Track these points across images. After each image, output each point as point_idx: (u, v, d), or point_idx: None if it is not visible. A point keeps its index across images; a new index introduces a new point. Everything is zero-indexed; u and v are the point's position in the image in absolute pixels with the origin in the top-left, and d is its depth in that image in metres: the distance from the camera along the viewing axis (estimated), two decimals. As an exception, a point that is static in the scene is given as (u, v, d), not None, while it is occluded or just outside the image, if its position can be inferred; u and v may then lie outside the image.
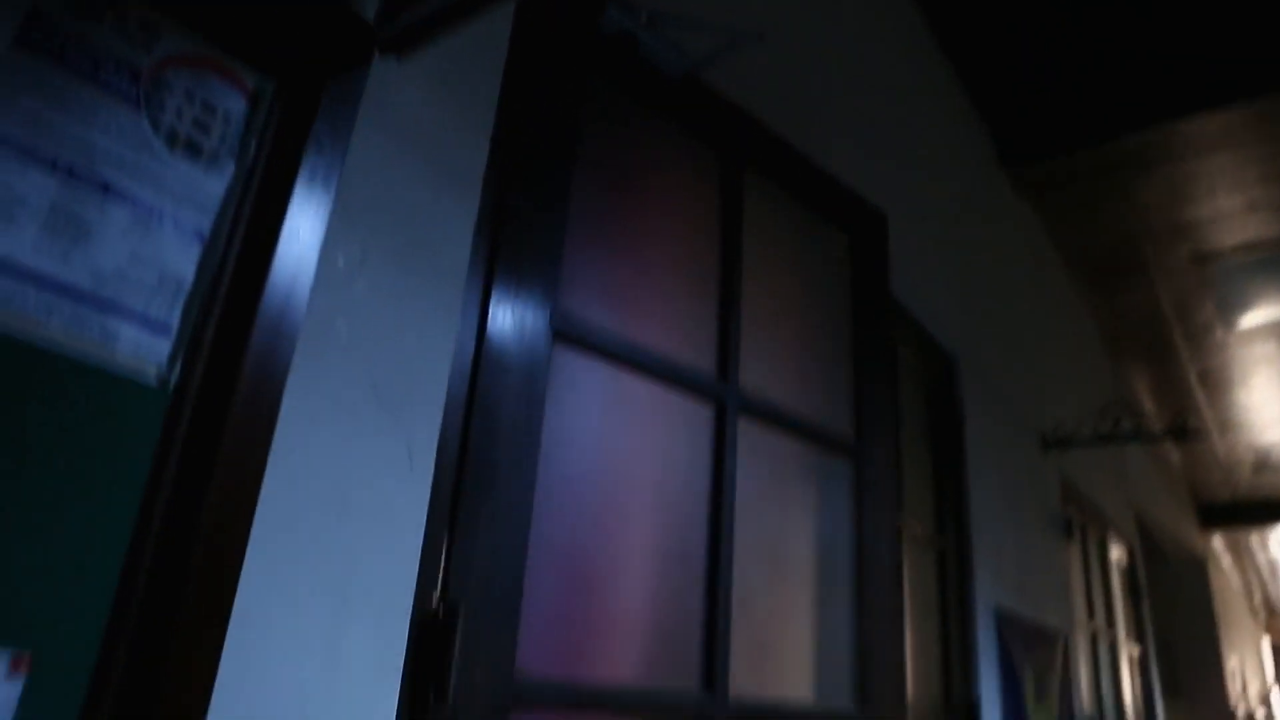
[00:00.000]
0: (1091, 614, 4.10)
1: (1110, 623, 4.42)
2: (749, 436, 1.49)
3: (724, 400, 1.43)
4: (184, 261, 0.79)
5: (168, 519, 0.72)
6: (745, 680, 1.38)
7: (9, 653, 0.63)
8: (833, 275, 1.82)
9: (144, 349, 0.75)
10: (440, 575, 0.98)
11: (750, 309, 1.56)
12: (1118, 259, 4.51)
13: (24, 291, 0.69)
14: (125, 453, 0.71)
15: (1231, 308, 4.89)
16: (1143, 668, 5.03)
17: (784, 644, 1.50)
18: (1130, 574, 5.04)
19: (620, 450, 1.29)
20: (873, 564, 1.64)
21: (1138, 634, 5.04)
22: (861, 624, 1.58)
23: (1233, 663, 9.09)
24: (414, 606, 0.94)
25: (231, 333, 0.79)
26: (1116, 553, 4.77)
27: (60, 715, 0.65)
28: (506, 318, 1.12)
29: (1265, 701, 10.28)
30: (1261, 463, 7.56)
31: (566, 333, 1.21)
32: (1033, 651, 2.86)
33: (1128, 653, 4.70)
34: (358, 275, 0.95)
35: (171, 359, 0.76)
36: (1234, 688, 9.26)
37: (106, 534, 0.69)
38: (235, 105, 0.86)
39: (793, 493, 1.59)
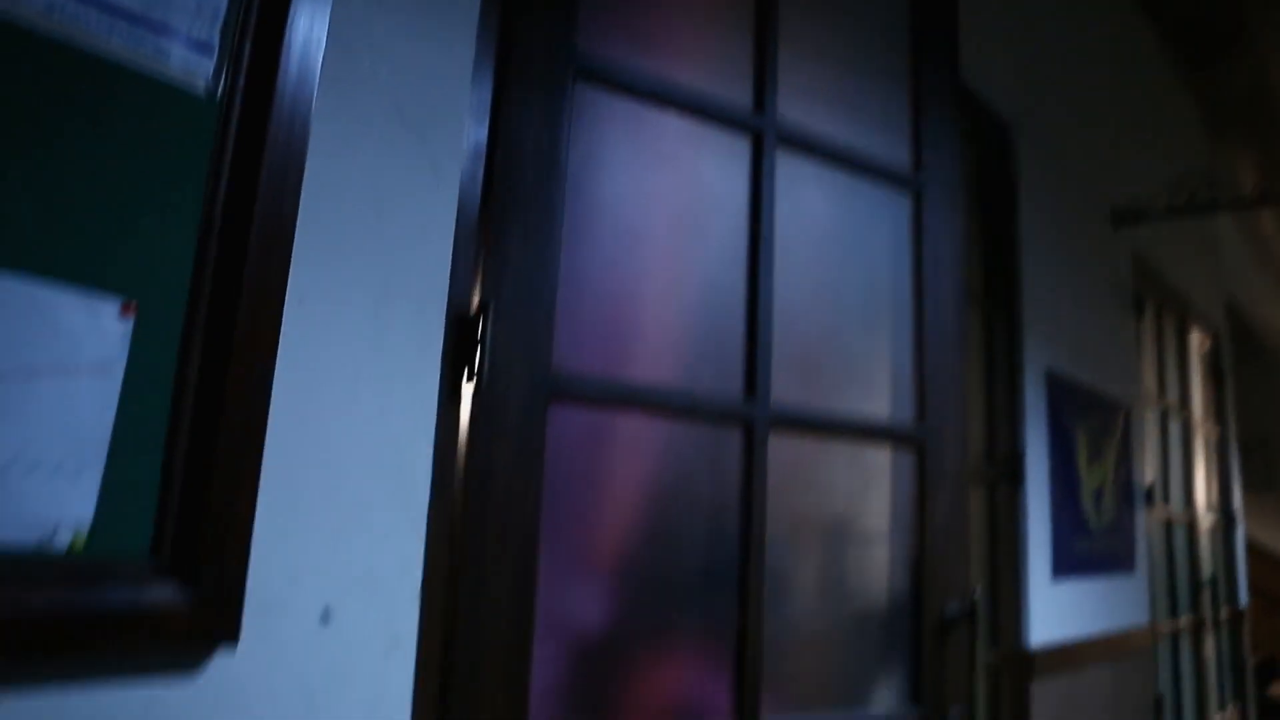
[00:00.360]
0: (1163, 392, 4.12)
1: (1184, 404, 4.43)
2: (791, 168, 1.54)
3: (761, 131, 1.49)
4: (217, -10, 0.91)
5: (227, 205, 0.88)
6: (792, 392, 1.49)
7: (120, 299, 0.81)
8: (888, 7, 1.78)
9: (192, 65, 0.88)
10: (476, 280, 1.14)
11: (792, 43, 1.57)
12: (1217, 24, 4.18)
13: (88, 13, 0.82)
14: (188, 148, 0.86)
15: (1350, 73, 4.53)
16: (1220, 451, 5.05)
17: (836, 363, 1.60)
18: (1214, 357, 4.97)
19: (652, 183, 1.39)
20: (933, 292, 1.69)
21: (1217, 418, 5.03)
22: (920, 349, 1.65)
23: (1335, 458, 8.88)
24: (449, 303, 1.10)
25: (264, 55, 0.92)
26: (1198, 336, 4.70)
27: (162, 348, 0.83)
28: (524, 55, 1.21)
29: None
30: (1379, 248, 7.12)
31: (588, 70, 1.29)
32: (1088, 416, 2.95)
33: (1204, 434, 4.71)
34: (376, 16, 1.05)
35: (216, 74, 0.89)
36: (1335, 483, 9.10)
37: (183, 210, 0.85)
38: None
39: (845, 224, 1.64)
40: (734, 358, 1.42)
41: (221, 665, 0.87)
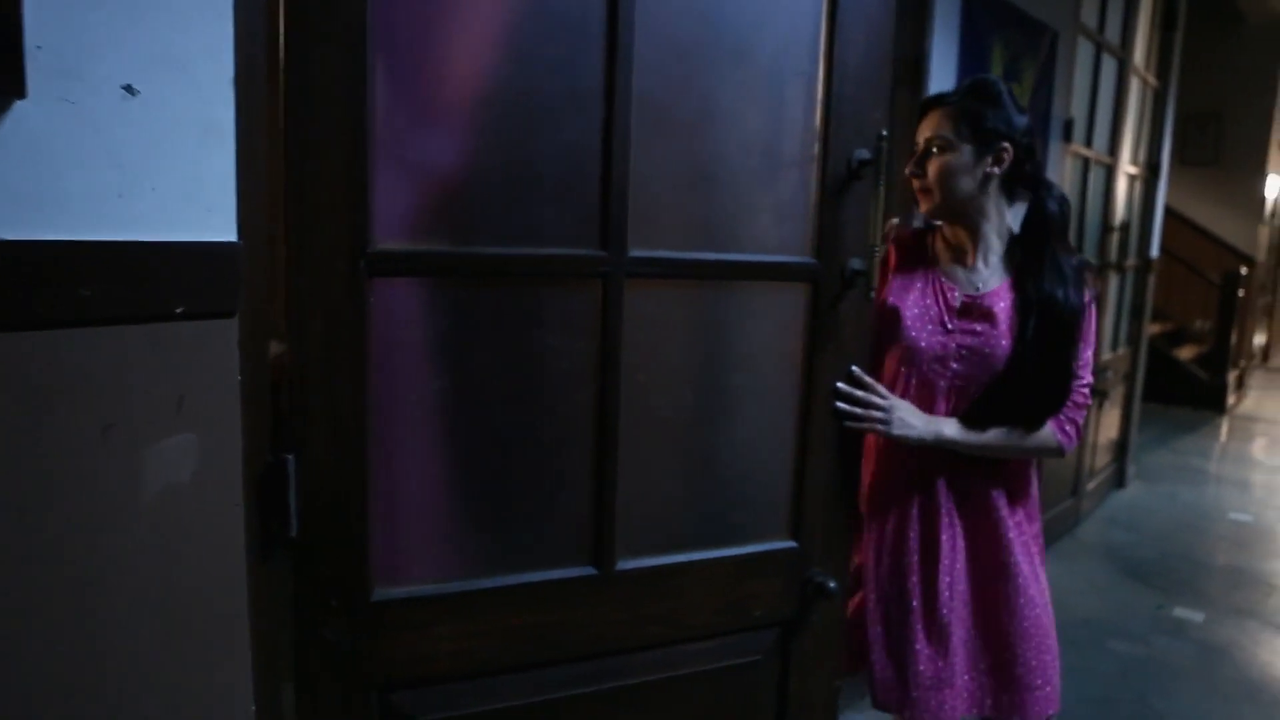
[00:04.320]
0: (1102, 29, 4.00)
1: (1126, 45, 4.33)
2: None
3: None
4: None
5: None
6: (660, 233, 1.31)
7: None
8: None
9: None
10: None
11: None
12: None
13: None
14: None
15: None
16: (1157, 99, 5.02)
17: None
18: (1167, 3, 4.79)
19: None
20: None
21: (1160, 67, 4.95)
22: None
23: (1281, 137, 8.92)
24: None
25: None
26: (1150, -25, 4.49)
27: None
28: None
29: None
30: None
31: None
32: (1007, 29, 2.87)
33: (1140, 78, 4.66)
34: None
35: None
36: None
37: None
38: None
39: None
40: (586, 201, 1.24)
41: (17, 122, 0.88)
